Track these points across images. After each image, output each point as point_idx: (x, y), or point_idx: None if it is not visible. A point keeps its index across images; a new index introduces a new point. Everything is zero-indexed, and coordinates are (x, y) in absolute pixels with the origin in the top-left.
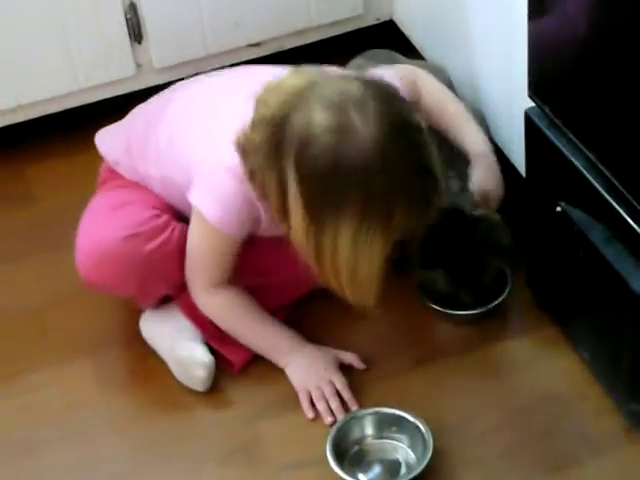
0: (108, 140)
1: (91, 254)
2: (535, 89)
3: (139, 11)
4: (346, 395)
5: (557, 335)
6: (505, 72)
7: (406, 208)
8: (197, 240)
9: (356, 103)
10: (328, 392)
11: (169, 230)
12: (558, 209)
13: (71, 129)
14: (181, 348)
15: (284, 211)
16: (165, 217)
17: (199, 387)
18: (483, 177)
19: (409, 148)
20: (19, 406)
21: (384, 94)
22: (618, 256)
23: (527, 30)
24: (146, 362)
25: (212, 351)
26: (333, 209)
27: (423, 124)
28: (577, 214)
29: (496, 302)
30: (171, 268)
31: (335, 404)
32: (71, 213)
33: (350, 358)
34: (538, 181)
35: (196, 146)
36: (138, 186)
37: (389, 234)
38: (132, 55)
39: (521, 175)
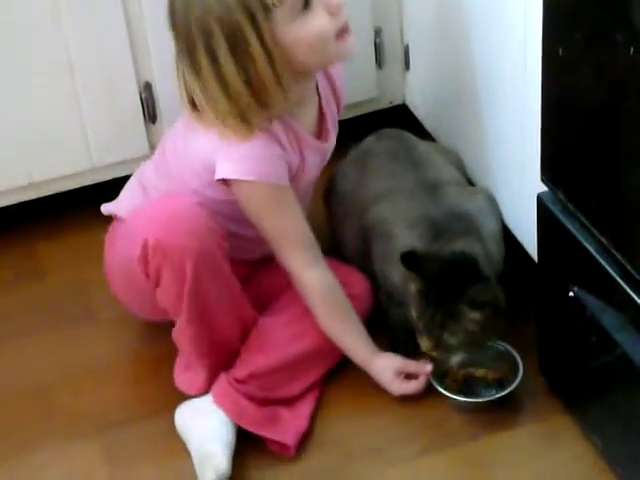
0: (123, 201)
1: (157, 211)
2: (548, 173)
3: (154, 90)
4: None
5: (569, 422)
6: (517, 156)
7: None
8: (261, 211)
9: None
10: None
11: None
12: (571, 294)
13: (83, 206)
14: (205, 448)
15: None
16: None
17: None
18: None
19: None
20: None
21: None
22: (632, 342)
23: (540, 115)
24: (157, 442)
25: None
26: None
27: None
28: (590, 299)
29: (505, 392)
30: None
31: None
32: (81, 290)
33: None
34: (550, 265)
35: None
36: None
37: None
38: (146, 135)
39: (533, 260)
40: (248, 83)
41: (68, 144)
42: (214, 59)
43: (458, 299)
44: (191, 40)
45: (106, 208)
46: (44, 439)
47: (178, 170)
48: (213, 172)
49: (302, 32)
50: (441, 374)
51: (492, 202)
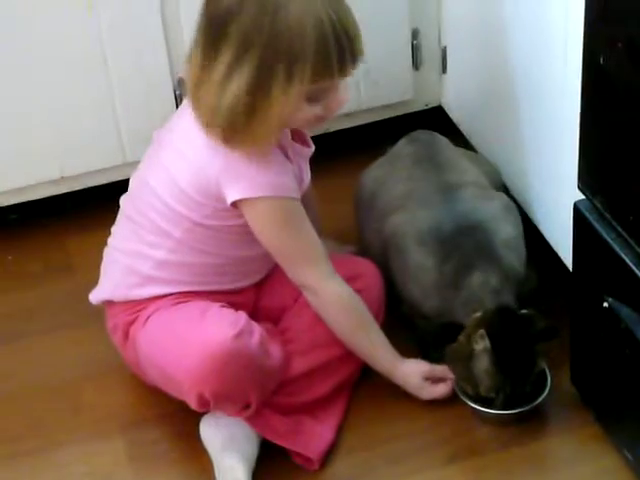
0: (114, 283)
1: (204, 363)
2: (585, 181)
3: None
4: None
5: (600, 434)
6: (555, 163)
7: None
8: (275, 228)
9: None
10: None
11: (254, 323)
12: (605, 305)
13: (114, 201)
14: (225, 460)
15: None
16: (241, 312)
17: None
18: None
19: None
20: None
21: None
22: None
23: (579, 122)
24: (181, 442)
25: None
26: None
27: None
28: (625, 311)
29: (534, 404)
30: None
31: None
32: None
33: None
34: (585, 275)
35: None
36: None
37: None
38: None
39: (568, 269)
40: (248, 106)
41: (101, 139)
42: (235, 65)
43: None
44: (222, 38)
45: (95, 297)
46: (68, 436)
47: (169, 208)
48: (216, 197)
49: (301, 113)
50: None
51: (509, 207)
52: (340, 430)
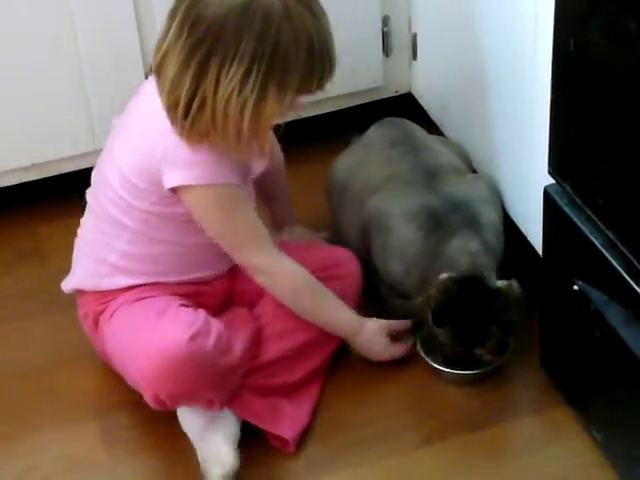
0: (84, 273)
1: (158, 366)
2: (555, 166)
3: None
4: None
5: (570, 416)
6: (525, 148)
7: (304, 72)
8: (216, 215)
9: None
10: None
11: (213, 322)
12: (575, 288)
13: (83, 188)
14: (209, 441)
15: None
16: (200, 311)
17: None
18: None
19: (312, 16)
20: (22, 468)
21: None
22: (636, 338)
23: (549, 107)
24: (156, 426)
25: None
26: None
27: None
28: (595, 293)
29: (492, 366)
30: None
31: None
32: None
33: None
34: (555, 259)
35: (139, 145)
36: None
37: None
38: None
39: (538, 253)
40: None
41: (72, 125)
42: (221, 69)
43: (486, 324)
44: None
45: (66, 286)
46: (43, 421)
47: (120, 197)
48: (157, 183)
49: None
50: (431, 348)
51: (493, 190)
52: (314, 414)
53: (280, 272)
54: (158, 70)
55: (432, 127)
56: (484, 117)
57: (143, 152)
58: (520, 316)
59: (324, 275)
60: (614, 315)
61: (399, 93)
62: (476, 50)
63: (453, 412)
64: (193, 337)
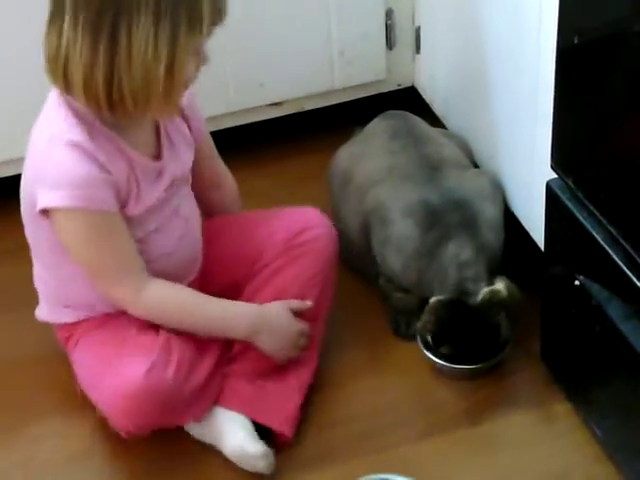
0: (45, 310)
1: (118, 402)
2: (558, 161)
3: None
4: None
5: (570, 410)
6: (527, 143)
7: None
8: (80, 242)
9: None
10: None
11: (174, 346)
12: (576, 283)
13: None
14: (231, 446)
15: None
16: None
17: (265, 472)
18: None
19: None
20: (19, 459)
21: None
22: (636, 333)
23: (553, 102)
24: None
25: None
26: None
27: None
28: (596, 288)
29: (490, 362)
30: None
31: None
32: None
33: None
34: (557, 254)
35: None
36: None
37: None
38: None
39: (539, 248)
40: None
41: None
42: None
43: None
44: None
45: (38, 316)
46: (41, 412)
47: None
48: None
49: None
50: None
51: (495, 186)
52: (313, 406)
53: (152, 297)
54: (65, 78)
55: (435, 120)
56: (487, 111)
57: (26, 177)
58: (514, 311)
59: (300, 240)
60: (615, 310)
61: (402, 86)
62: (479, 44)
63: (453, 406)
64: (150, 370)
